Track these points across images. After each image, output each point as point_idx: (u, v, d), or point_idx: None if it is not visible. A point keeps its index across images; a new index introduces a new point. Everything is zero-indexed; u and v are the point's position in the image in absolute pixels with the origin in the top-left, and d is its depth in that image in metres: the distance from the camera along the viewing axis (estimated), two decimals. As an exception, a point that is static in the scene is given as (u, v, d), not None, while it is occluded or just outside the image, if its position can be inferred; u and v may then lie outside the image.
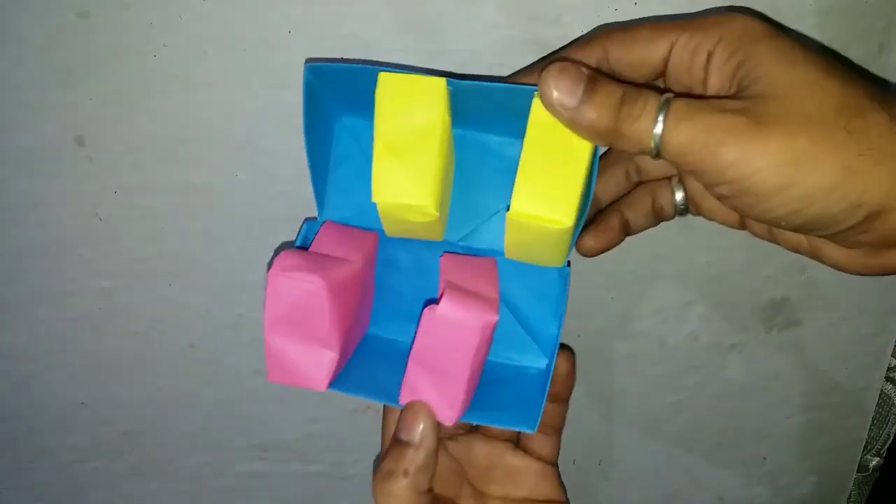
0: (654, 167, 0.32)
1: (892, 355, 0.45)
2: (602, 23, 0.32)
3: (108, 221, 0.35)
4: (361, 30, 0.31)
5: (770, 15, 0.32)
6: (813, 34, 0.33)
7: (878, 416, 0.47)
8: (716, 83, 0.26)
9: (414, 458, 0.27)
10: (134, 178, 0.34)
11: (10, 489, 0.43)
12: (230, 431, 0.42)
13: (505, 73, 0.32)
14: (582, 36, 0.32)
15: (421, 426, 0.27)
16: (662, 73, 0.27)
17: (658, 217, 0.32)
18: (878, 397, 0.46)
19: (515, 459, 0.33)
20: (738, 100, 0.24)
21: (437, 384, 0.27)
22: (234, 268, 0.36)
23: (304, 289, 0.27)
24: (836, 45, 0.34)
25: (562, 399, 0.33)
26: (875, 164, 0.23)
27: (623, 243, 0.33)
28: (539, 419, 0.28)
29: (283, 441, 0.42)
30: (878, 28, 0.34)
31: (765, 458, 0.48)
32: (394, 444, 0.28)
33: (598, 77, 0.25)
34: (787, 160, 0.23)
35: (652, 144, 0.24)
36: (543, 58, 0.32)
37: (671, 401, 0.44)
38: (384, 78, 0.27)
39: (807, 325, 0.42)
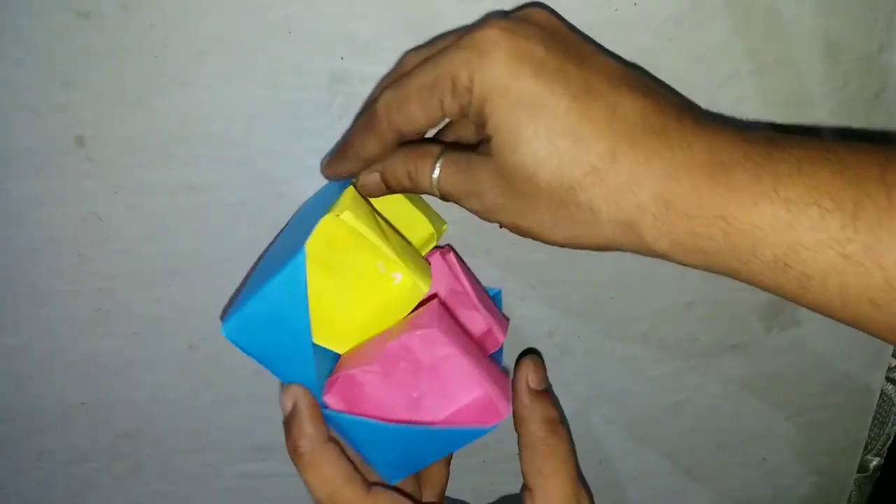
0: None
1: (892, 355, 0.45)
2: (601, 22, 0.32)
3: (108, 221, 0.35)
4: (361, 30, 0.31)
5: (770, 15, 0.32)
6: (813, 34, 0.33)
7: (878, 416, 0.47)
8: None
9: None
10: (134, 178, 0.34)
11: (10, 490, 0.43)
12: (230, 432, 0.42)
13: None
14: (359, 115, 0.32)
15: None
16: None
17: None
18: (878, 397, 0.46)
19: None
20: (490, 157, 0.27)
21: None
22: (233, 268, 0.36)
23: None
24: (836, 46, 0.34)
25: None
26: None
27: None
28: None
29: (283, 442, 0.42)
30: (878, 28, 0.34)
31: (765, 459, 0.47)
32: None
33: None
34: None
35: (436, 191, 0.29)
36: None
37: (671, 401, 0.44)
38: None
39: (807, 325, 0.42)
